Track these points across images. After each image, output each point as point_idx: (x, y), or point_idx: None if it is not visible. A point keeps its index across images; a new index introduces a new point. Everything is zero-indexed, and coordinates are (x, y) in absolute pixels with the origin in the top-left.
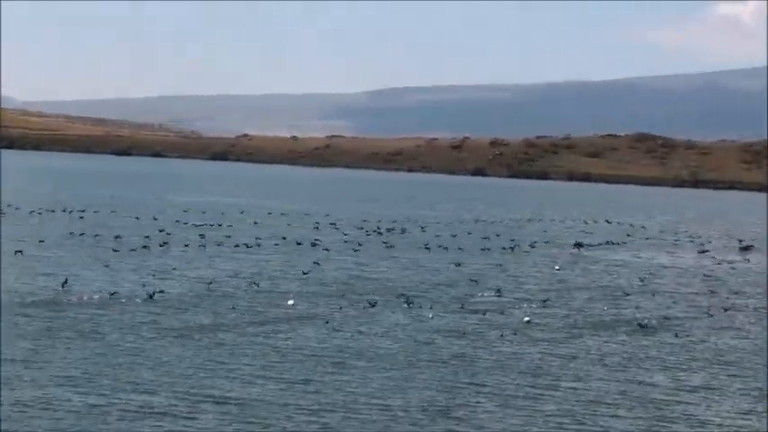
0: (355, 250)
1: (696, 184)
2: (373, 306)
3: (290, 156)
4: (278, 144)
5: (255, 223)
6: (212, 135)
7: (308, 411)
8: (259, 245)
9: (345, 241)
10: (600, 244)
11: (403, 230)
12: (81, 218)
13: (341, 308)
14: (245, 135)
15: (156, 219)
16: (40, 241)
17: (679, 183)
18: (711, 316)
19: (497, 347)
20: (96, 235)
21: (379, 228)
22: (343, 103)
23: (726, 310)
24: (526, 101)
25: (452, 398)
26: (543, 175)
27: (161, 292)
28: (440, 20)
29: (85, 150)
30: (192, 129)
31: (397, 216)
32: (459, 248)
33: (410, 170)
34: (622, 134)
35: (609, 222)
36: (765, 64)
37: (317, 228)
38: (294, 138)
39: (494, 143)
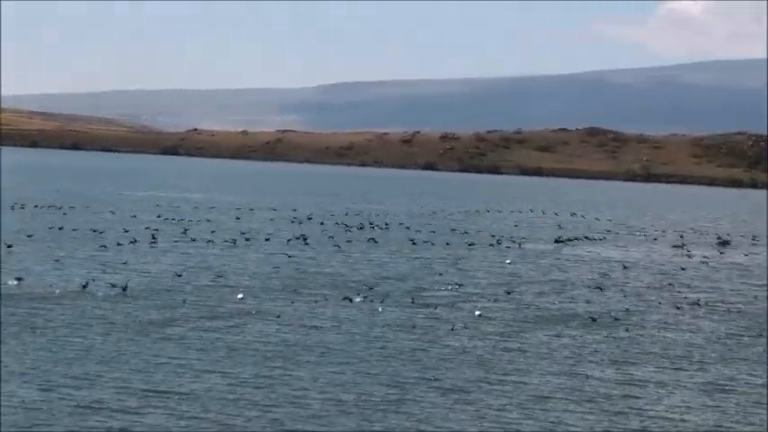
0: (337, 245)
1: (648, 178)
2: (326, 300)
3: (240, 150)
4: (228, 138)
5: (238, 219)
6: (163, 130)
7: (257, 406)
8: (248, 240)
9: (330, 236)
10: (577, 239)
11: (386, 225)
12: (64, 214)
13: (293, 302)
14: (196, 129)
15: (134, 216)
16: (29, 236)
17: (631, 177)
18: (678, 309)
19: (448, 341)
20: (74, 229)
21: (362, 223)
22: (295, 98)
23: (690, 304)
24: (478, 95)
25: (402, 392)
26: (494, 170)
27: (114, 286)
28: (393, 14)
29: (35, 145)
30: (143, 123)
31: (362, 210)
32: (412, 242)
33: (362, 164)
34: (573, 128)
35: (574, 215)
36: (715, 58)
37: (300, 223)
38: (245, 132)
39: (444, 138)
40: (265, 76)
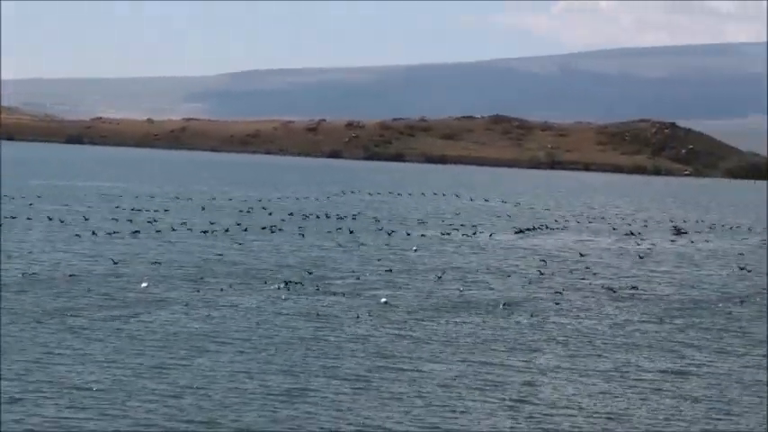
0: (302, 234)
1: (552, 165)
2: (231, 288)
3: (145, 139)
4: (133, 127)
5: (203, 209)
6: (67, 118)
7: (161, 396)
8: (227, 230)
9: (300, 226)
10: (534, 228)
11: (353, 216)
12: (31, 205)
13: (198, 291)
14: (100, 118)
15: (90, 207)
16: None
17: (535, 164)
18: (582, 295)
19: (353, 329)
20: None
21: (270, 211)
22: (202, 86)
23: (593, 290)
24: (383, 83)
25: (306, 381)
26: (399, 158)
27: (22, 275)
28: (297, 3)
29: None
30: (47, 112)
31: (267, 198)
32: (325, 231)
33: (267, 152)
34: (478, 116)
35: (518, 205)
36: (620, 47)
37: (203, 209)
38: (150, 120)
39: (350, 126)
40: (171, 64)
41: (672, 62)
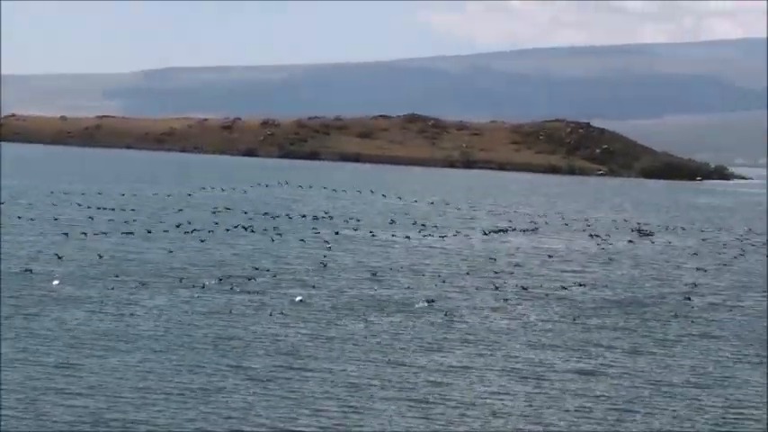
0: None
1: (467, 164)
2: (145, 287)
3: (59, 136)
4: (47, 124)
5: (180, 210)
6: None
7: (69, 395)
8: (225, 229)
9: (275, 227)
10: (506, 230)
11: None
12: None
13: (112, 288)
14: (13, 115)
15: (55, 204)
16: None
17: (450, 163)
18: (497, 295)
19: (265, 328)
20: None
21: (180, 208)
22: (117, 84)
23: (507, 290)
24: (300, 82)
25: (215, 380)
26: (314, 156)
27: None
28: (214, 2)
29: None
30: None
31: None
32: (240, 228)
33: (182, 150)
34: (394, 115)
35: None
36: (535, 46)
37: (113, 210)
38: (63, 118)
39: (265, 124)
40: (85, 61)
41: (587, 62)
